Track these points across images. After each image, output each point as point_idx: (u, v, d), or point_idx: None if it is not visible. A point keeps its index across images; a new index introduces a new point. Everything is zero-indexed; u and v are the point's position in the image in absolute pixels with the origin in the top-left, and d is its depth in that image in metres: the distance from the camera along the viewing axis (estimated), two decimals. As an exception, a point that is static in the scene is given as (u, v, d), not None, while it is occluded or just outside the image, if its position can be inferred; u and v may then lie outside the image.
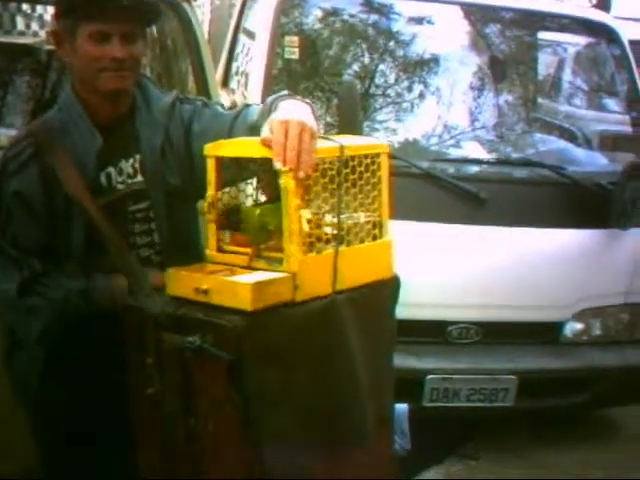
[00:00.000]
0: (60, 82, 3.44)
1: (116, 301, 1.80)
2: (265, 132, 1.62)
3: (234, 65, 5.06)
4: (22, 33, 4.32)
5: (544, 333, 3.65)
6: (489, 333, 3.56)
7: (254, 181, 1.87)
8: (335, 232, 1.68)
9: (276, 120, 1.62)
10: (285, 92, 1.84)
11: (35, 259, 1.86)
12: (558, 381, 3.61)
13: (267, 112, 1.75)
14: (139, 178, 1.93)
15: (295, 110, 1.66)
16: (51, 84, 3.48)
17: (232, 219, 1.72)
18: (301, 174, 1.58)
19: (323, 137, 1.71)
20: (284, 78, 3.92)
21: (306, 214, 1.58)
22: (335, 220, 1.68)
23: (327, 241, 1.67)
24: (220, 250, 1.73)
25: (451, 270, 3.45)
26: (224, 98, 4.27)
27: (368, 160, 1.74)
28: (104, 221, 1.82)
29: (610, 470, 3.64)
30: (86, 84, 1.87)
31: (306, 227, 1.59)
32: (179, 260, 1.75)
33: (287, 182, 1.57)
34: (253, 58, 4.23)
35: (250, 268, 1.65)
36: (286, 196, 1.58)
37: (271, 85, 3.68)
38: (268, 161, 1.61)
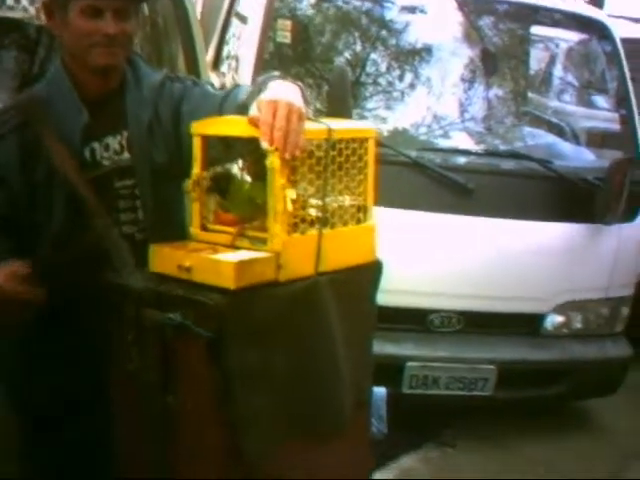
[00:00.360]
0: (49, 58, 3.40)
1: None
2: (253, 111, 1.62)
3: (225, 49, 5.04)
4: (11, 8, 4.28)
5: (525, 324, 3.68)
6: (470, 322, 3.59)
7: (240, 161, 1.87)
8: (319, 214, 1.68)
9: (264, 100, 1.61)
10: (276, 73, 1.84)
11: None
12: (537, 372, 3.65)
13: (256, 92, 1.73)
14: (126, 155, 1.92)
15: (284, 90, 1.66)
16: (39, 60, 3.45)
17: (219, 185, 1.72)
18: (287, 155, 1.58)
19: (311, 119, 1.71)
20: (275, 63, 3.91)
21: (291, 194, 1.59)
22: (320, 202, 1.68)
23: (311, 223, 1.67)
24: (204, 229, 1.73)
25: (435, 259, 3.48)
26: (214, 81, 4.26)
27: (355, 144, 1.74)
28: (89, 194, 1.82)
29: (582, 459, 3.68)
30: (76, 59, 1.86)
31: (290, 207, 1.59)
32: (162, 238, 1.74)
33: (273, 162, 1.57)
34: (245, 41, 4.22)
35: (233, 247, 1.65)
36: (272, 176, 1.58)
37: (262, 69, 3.67)
38: (254, 141, 1.61)
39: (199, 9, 6.44)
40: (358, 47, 4.10)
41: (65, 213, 1.85)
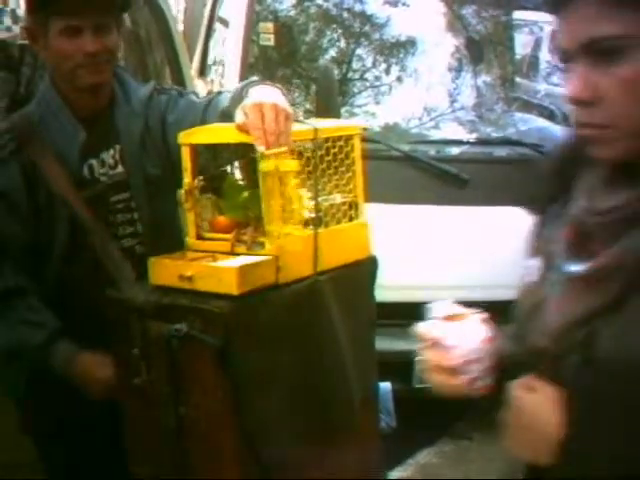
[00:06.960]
0: (34, 78, 3.40)
1: (70, 374, 1.82)
2: (239, 117, 1.61)
3: (211, 54, 5.03)
4: (-6, 28, 4.26)
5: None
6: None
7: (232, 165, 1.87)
8: (313, 214, 1.68)
9: (249, 104, 1.61)
10: (254, 78, 1.84)
11: (9, 269, 1.86)
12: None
13: (238, 98, 1.73)
14: (120, 169, 1.93)
15: (267, 93, 1.66)
16: (25, 79, 3.45)
17: (212, 184, 1.72)
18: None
19: (297, 120, 1.71)
20: (260, 66, 3.90)
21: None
22: (312, 202, 1.68)
23: (306, 223, 1.67)
24: (200, 238, 1.73)
25: (436, 251, 3.46)
26: (201, 88, 4.25)
27: (342, 142, 1.75)
28: (88, 214, 1.83)
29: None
30: (64, 79, 1.86)
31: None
32: (162, 250, 1.74)
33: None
34: (228, 46, 4.22)
35: (231, 253, 1.65)
36: (268, 180, 1.57)
37: (247, 73, 3.67)
38: (243, 147, 1.61)
39: (181, 16, 6.45)
40: (342, 44, 4.09)
41: (67, 233, 1.86)
